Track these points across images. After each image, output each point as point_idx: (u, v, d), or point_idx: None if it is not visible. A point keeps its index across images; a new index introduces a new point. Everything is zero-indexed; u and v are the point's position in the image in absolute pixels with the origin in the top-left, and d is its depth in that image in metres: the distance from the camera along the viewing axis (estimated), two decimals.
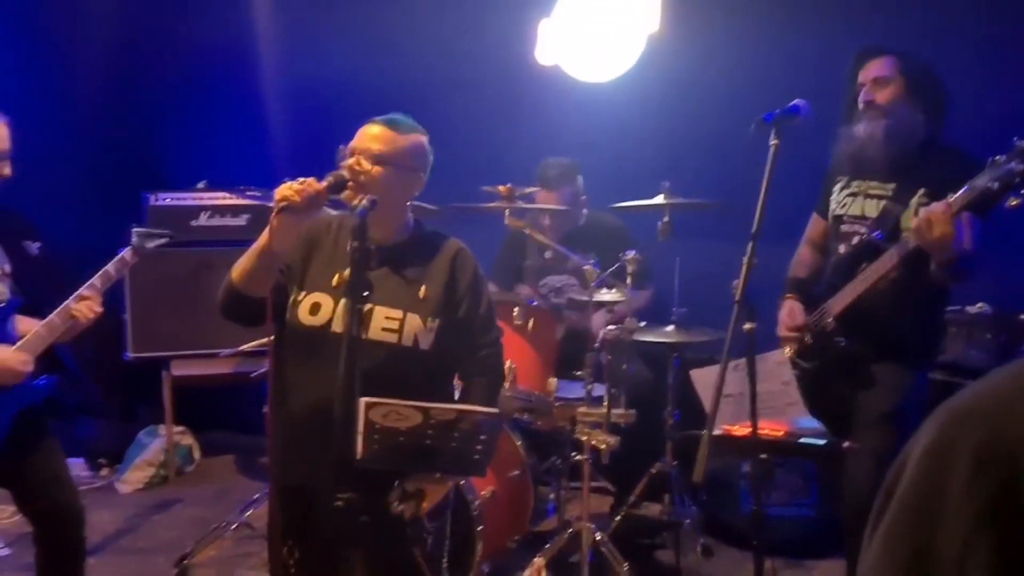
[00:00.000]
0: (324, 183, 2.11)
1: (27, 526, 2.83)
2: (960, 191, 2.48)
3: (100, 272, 2.79)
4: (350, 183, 2.14)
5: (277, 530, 2.31)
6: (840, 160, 2.91)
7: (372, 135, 2.22)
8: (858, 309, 2.76)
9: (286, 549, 2.22)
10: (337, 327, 2.19)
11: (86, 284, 2.77)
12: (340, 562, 2.18)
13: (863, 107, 2.78)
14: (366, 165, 2.18)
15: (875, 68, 2.77)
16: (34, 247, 4.07)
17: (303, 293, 2.24)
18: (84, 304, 2.73)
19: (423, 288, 2.25)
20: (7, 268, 2.75)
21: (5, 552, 3.64)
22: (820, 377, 2.87)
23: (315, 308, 2.22)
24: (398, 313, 2.21)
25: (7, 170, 2.67)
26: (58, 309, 2.72)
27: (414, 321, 2.22)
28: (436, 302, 2.26)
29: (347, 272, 2.19)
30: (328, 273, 2.24)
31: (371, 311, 2.18)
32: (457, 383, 2.49)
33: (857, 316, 2.77)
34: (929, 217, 2.49)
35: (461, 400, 2.32)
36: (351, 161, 2.19)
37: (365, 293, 2.05)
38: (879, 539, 0.72)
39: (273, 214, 2.06)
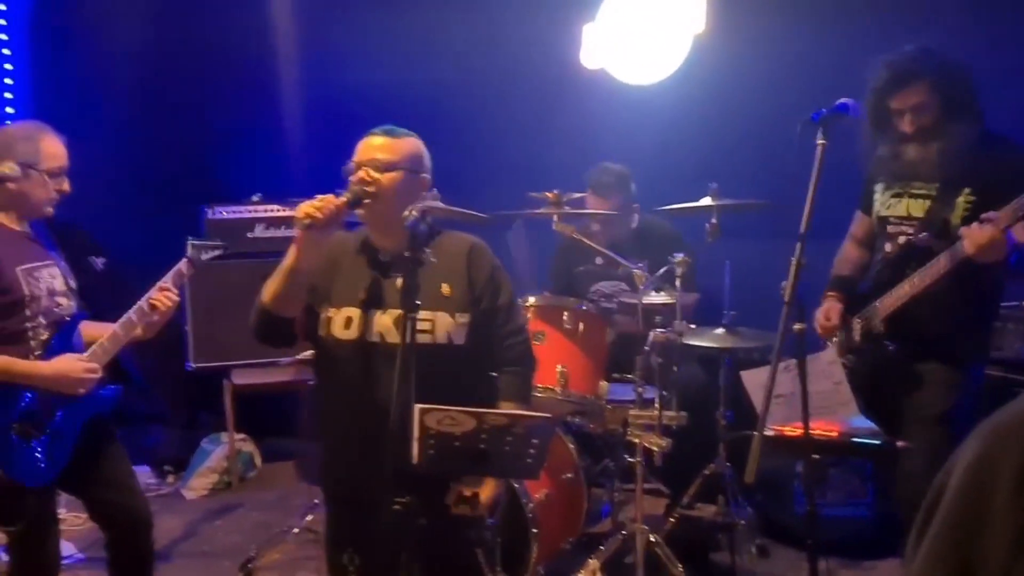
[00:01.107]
0: (343, 199, 2.17)
1: (99, 531, 2.94)
2: (1007, 208, 2.46)
3: (155, 287, 2.86)
4: (367, 198, 2.21)
5: (333, 539, 2.37)
6: (885, 171, 2.90)
7: (375, 146, 2.29)
8: (907, 312, 2.75)
9: (346, 556, 2.28)
10: (372, 338, 2.26)
11: (159, 282, 2.86)
12: (400, 566, 2.24)
13: (911, 133, 2.76)
14: (375, 175, 2.24)
15: (913, 96, 2.73)
16: (99, 262, 4.22)
17: (333, 310, 2.31)
18: (163, 294, 2.82)
19: (444, 286, 2.30)
20: (72, 283, 2.86)
21: (80, 556, 3.77)
22: (870, 377, 2.85)
23: (348, 323, 2.28)
24: (427, 314, 2.25)
25: (66, 185, 2.78)
26: (121, 320, 2.81)
27: (444, 319, 2.27)
28: (460, 298, 2.31)
29: (369, 285, 2.27)
30: (354, 288, 2.30)
31: (401, 317, 2.23)
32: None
33: (906, 319, 2.76)
34: (982, 245, 2.47)
35: (495, 392, 2.36)
36: (360, 174, 2.25)
37: (418, 303, 2.11)
38: (924, 550, 0.74)
39: (298, 233, 2.13)
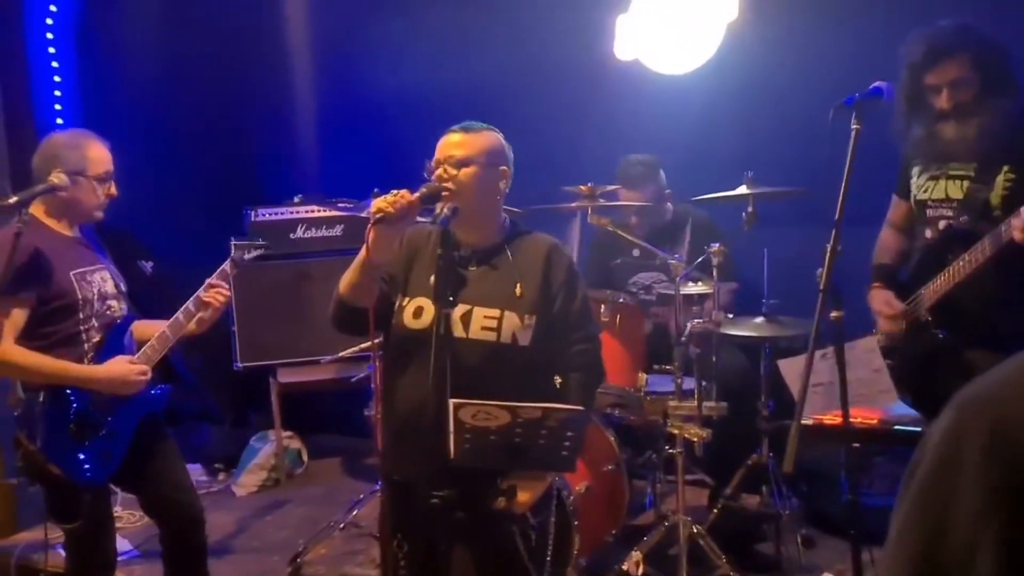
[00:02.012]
0: (417, 194, 2.20)
1: (154, 528, 3.02)
2: None
3: (204, 284, 2.94)
4: (444, 193, 2.23)
5: (388, 525, 2.41)
6: (921, 153, 2.84)
7: (452, 143, 2.32)
8: (952, 299, 2.70)
9: (396, 543, 2.32)
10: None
11: (208, 280, 2.93)
12: (444, 556, 2.27)
13: (948, 109, 2.69)
14: (452, 171, 2.27)
15: (951, 71, 2.67)
16: (148, 267, 4.33)
17: (407, 299, 2.34)
18: (215, 290, 2.90)
19: (519, 286, 2.31)
20: (122, 286, 2.95)
21: (135, 552, 3.89)
22: (915, 365, 2.81)
23: (418, 312, 2.31)
24: (496, 312, 2.28)
25: (113, 189, 2.86)
26: (170, 321, 2.90)
27: (512, 319, 2.29)
28: (532, 299, 2.32)
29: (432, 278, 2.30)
30: (428, 278, 2.32)
31: (470, 312, 2.27)
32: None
33: (952, 306, 2.71)
34: None
35: (559, 396, 2.36)
36: (439, 172, 2.28)
37: (451, 298, 2.14)
38: (900, 518, 0.75)
39: (369, 226, 2.16)
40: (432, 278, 2.26)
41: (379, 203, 2.15)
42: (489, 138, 2.36)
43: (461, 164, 2.28)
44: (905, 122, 2.80)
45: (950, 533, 0.71)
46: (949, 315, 2.72)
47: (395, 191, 2.17)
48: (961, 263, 2.64)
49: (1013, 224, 2.45)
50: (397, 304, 2.35)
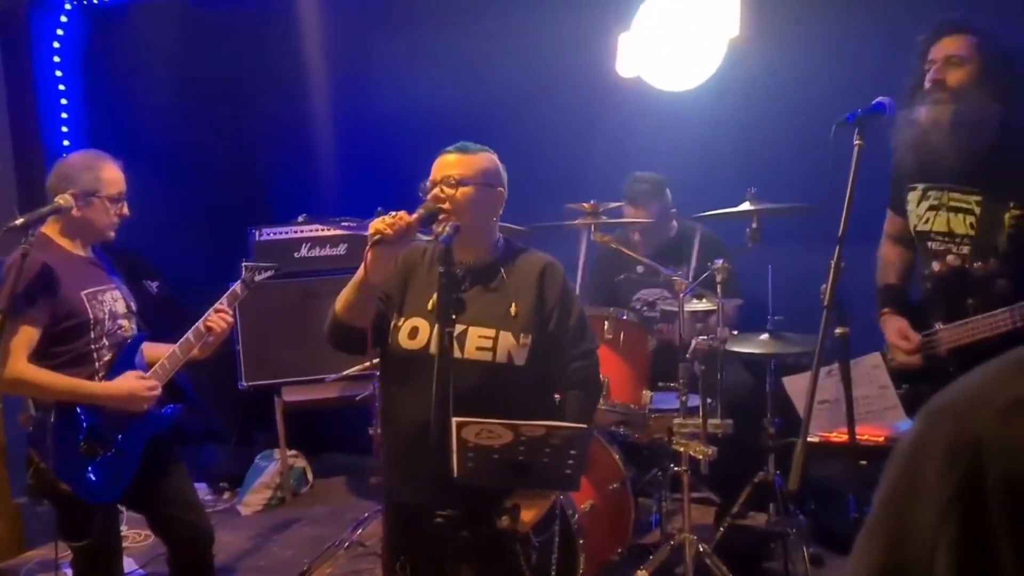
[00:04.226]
0: (415, 215, 2.20)
1: (159, 547, 3.02)
2: None
3: (217, 303, 2.96)
4: (442, 214, 2.24)
5: (390, 544, 2.41)
6: (903, 152, 2.65)
7: (448, 163, 2.33)
8: (973, 349, 2.53)
9: (398, 564, 2.31)
10: (434, 349, 2.27)
11: (215, 304, 2.95)
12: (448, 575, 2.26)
13: (929, 86, 2.54)
14: (449, 191, 2.27)
15: (950, 46, 2.53)
16: (153, 286, 4.35)
17: (402, 319, 2.35)
18: (219, 316, 2.92)
19: (514, 305, 2.32)
20: (133, 306, 2.96)
21: (140, 572, 3.87)
22: (932, 393, 2.73)
23: (413, 332, 2.32)
24: (491, 332, 2.28)
25: (125, 210, 2.89)
26: (180, 341, 2.91)
27: (507, 339, 2.29)
28: (527, 318, 2.32)
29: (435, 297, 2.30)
30: (424, 298, 2.33)
31: (465, 332, 2.27)
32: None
33: (972, 352, 2.53)
34: None
35: (557, 413, 2.36)
36: (435, 191, 2.29)
37: (453, 316, 2.14)
38: (865, 526, 0.76)
39: (367, 248, 2.17)
40: (431, 300, 2.27)
41: (377, 225, 2.16)
42: (485, 159, 2.37)
43: (458, 184, 2.28)
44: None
45: (911, 539, 0.72)
46: (969, 360, 2.62)
47: (393, 212, 2.18)
48: (985, 321, 2.50)
49: None
50: (392, 324, 2.36)
